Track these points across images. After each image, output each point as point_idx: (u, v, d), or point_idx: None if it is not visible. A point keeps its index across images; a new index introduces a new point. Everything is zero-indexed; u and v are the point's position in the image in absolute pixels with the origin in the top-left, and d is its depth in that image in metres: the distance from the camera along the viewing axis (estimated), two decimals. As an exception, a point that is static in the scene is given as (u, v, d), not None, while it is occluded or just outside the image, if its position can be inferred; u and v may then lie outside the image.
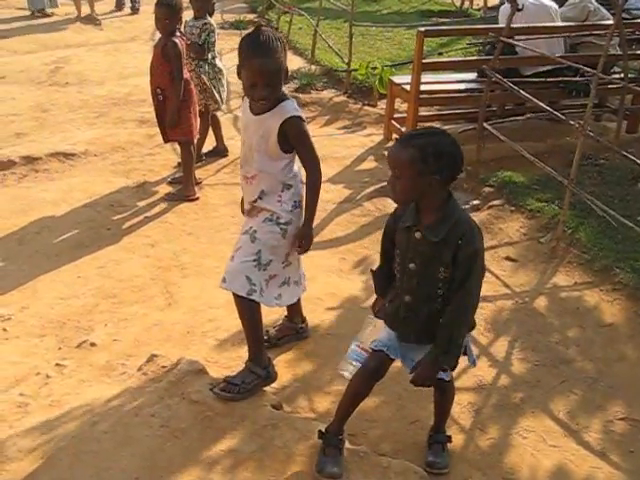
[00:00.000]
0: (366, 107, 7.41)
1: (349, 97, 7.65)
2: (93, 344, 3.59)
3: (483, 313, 3.98)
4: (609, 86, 5.99)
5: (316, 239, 4.85)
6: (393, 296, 2.65)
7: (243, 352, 3.52)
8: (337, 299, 4.09)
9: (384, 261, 2.75)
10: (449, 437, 2.90)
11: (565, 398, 3.35)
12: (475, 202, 5.30)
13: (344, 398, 2.73)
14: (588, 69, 4.96)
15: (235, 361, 3.48)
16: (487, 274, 4.47)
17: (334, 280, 4.36)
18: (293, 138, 2.95)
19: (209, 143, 6.09)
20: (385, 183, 5.45)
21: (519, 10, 5.83)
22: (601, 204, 4.41)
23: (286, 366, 3.47)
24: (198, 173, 5.62)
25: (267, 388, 3.17)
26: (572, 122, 4.49)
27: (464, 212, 2.53)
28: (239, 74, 2.96)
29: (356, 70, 7.63)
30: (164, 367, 3.22)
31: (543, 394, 3.36)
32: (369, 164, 6.11)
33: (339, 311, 3.98)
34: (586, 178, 5.52)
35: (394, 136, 6.49)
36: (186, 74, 5.14)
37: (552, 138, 6.45)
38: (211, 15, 5.80)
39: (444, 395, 2.82)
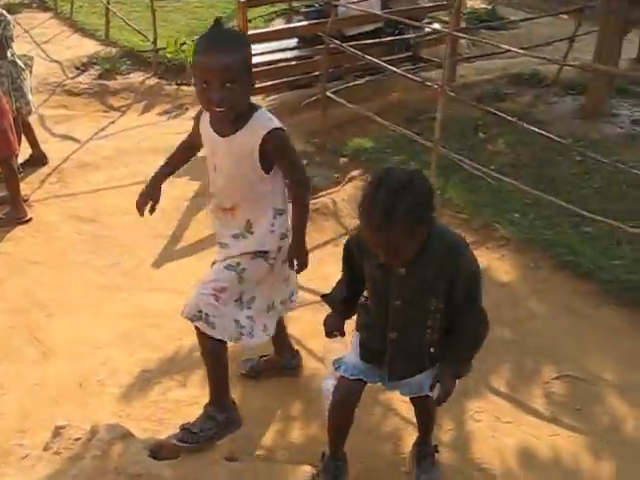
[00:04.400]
0: (183, 87, 6.91)
1: (160, 78, 7.10)
2: (-31, 427, 2.95)
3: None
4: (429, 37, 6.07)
5: (182, 243, 4.48)
6: (370, 330, 2.39)
7: (156, 395, 3.10)
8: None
9: (347, 289, 2.45)
10: (436, 447, 2.71)
11: (498, 369, 3.30)
12: (335, 175, 5.11)
13: (330, 431, 2.47)
14: (415, 24, 4.95)
15: (150, 409, 3.03)
16: (371, 250, 4.35)
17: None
18: (275, 154, 2.51)
19: (23, 152, 5.31)
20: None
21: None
22: (469, 162, 4.42)
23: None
24: (21, 189, 4.86)
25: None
26: (429, 83, 4.42)
27: (445, 229, 2.28)
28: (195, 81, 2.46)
29: (164, 48, 7.07)
30: (78, 439, 2.70)
31: (477, 370, 3.28)
32: (207, 150, 5.68)
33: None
34: (431, 133, 5.53)
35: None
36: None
37: (379, 96, 6.43)
38: (-1, 5, 4.99)
39: (432, 409, 2.59)
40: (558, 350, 3.43)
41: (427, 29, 6.19)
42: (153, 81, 7.03)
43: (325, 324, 2.52)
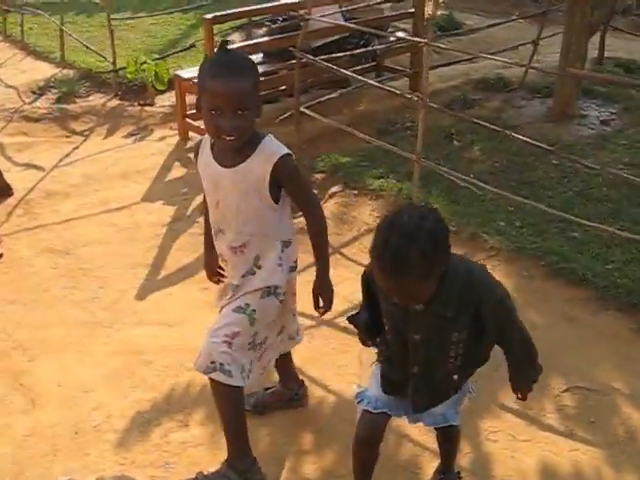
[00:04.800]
0: (146, 108, 6.72)
1: (122, 99, 6.87)
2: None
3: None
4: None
5: (164, 272, 4.30)
6: (390, 363, 2.30)
7: (157, 438, 2.95)
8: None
9: (369, 315, 2.33)
10: (459, 473, 2.62)
11: (507, 385, 3.20)
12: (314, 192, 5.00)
13: (355, 468, 2.36)
14: (382, 33, 4.89)
15: (153, 454, 2.87)
16: (360, 268, 4.25)
17: (208, 317, 3.80)
18: (287, 182, 2.39)
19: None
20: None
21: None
22: (455, 173, 4.36)
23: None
24: (-12, 224, 4.66)
25: None
26: (409, 95, 4.37)
27: (462, 262, 2.19)
28: (198, 108, 2.35)
29: (124, 68, 6.86)
30: (83, 495, 2.54)
31: (486, 389, 3.21)
32: (178, 172, 5.52)
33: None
34: (406, 144, 5.46)
35: (191, 134, 5.95)
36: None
37: (347, 109, 6.36)
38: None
39: (456, 437, 2.52)
40: (563, 361, 3.37)
41: (393, 38, 6.14)
42: (114, 103, 6.82)
43: (360, 338, 2.43)
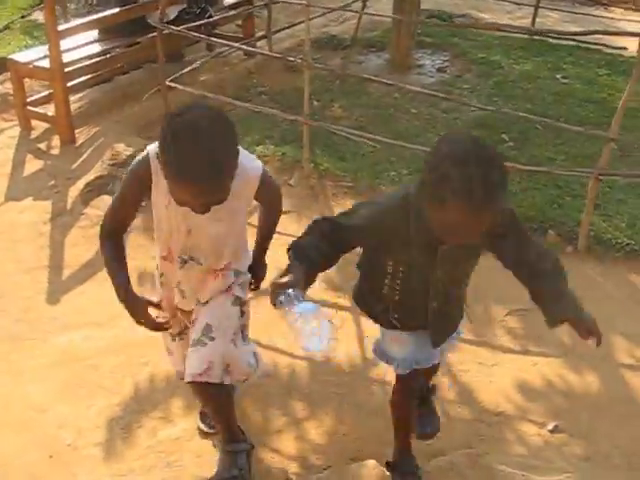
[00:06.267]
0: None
1: None
2: None
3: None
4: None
5: (67, 271, 3.99)
6: (399, 309, 2.23)
7: (146, 440, 2.82)
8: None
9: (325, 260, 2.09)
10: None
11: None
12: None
13: (397, 424, 2.40)
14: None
15: (149, 457, 2.71)
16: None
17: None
18: (266, 194, 2.28)
19: None
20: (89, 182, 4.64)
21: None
22: (348, 129, 4.48)
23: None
24: None
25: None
26: (292, 58, 4.37)
27: None
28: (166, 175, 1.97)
29: None
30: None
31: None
32: (35, 165, 5.04)
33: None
34: (268, 108, 5.40)
35: (34, 123, 5.46)
36: None
37: (191, 79, 6.19)
38: None
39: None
40: (493, 291, 3.59)
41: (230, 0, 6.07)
42: None
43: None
